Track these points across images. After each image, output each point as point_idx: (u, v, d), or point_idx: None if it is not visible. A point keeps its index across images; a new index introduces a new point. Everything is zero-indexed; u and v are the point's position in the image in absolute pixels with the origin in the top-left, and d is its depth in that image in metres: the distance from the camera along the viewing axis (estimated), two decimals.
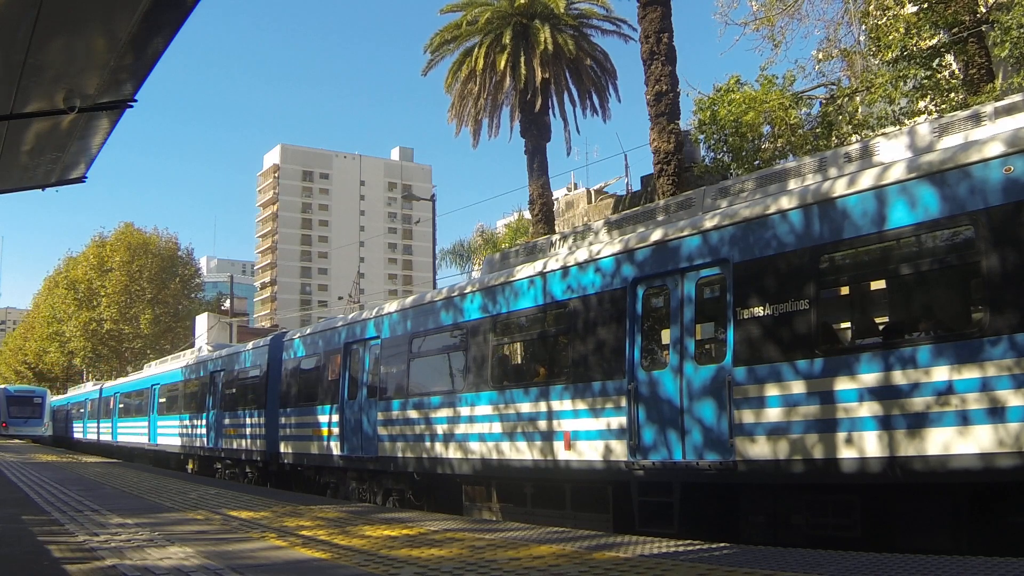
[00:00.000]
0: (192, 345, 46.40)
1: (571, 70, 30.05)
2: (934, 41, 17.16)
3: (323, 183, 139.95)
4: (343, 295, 67.43)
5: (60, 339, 62.52)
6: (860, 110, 18.75)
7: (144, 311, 57.46)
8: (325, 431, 16.69)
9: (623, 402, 9.98)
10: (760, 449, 8.45)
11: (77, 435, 44.19)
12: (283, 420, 18.93)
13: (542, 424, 11.18)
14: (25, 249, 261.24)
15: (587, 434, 10.48)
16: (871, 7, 17.79)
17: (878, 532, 7.82)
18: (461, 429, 12.69)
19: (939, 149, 7.96)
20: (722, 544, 7.96)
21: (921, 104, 17.23)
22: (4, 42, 6.28)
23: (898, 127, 15.67)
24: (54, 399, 53.72)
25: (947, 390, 7.12)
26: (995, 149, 7.16)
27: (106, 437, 38.58)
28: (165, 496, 14.44)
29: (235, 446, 22.24)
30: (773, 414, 8.37)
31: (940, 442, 7.13)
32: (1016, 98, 7.95)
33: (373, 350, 15.56)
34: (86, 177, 10.21)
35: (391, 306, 15.77)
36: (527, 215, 34.96)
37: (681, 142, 21.31)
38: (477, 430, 12.36)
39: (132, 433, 33.65)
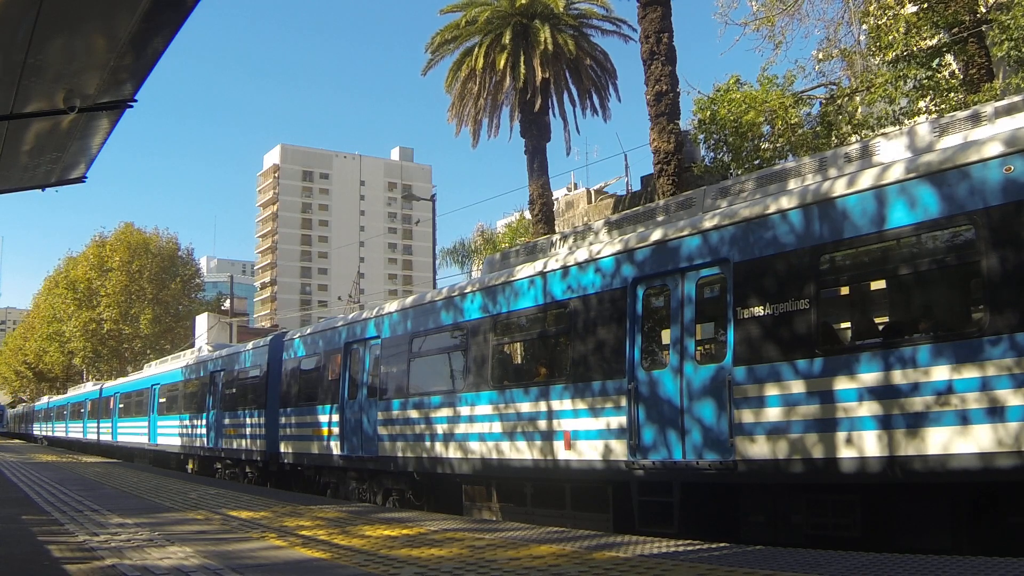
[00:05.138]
0: (192, 345, 46.39)
1: (571, 70, 30.02)
2: (934, 41, 17.15)
3: (323, 183, 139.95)
4: (343, 295, 67.27)
5: (60, 339, 62.58)
6: (860, 110, 18.74)
7: (144, 311, 57.43)
8: (325, 431, 16.68)
9: (623, 402, 9.97)
10: (760, 449, 8.45)
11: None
12: (283, 420, 18.93)
13: (542, 424, 11.17)
14: (25, 249, 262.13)
15: (587, 434, 10.47)
16: (871, 7, 17.77)
17: (878, 532, 7.82)
18: (461, 429, 12.68)
19: (939, 149, 7.95)
20: (722, 544, 7.96)
21: (921, 104, 17.21)
22: (4, 42, 6.28)
23: (898, 127, 15.66)
24: (11, 410, 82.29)
25: (947, 390, 7.12)
26: (995, 149, 7.15)
27: (106, 437, 38.58)
28: (165, 496, 14.45)
29: (235, 446, 22.23)
30: (773, 414, 8.36)
31: (940, 442, 7.13)
32: (1016, 98, 7.95)
33: (373, 350, 15.55)
34: (86, 177, 10.21)
35: (391, 306, 15.76)
36: (527, 215, 34.91)
37: (681, 142, 21.30)
38: (477, 430, 12.36)
39: (132, 433, 33.64)
